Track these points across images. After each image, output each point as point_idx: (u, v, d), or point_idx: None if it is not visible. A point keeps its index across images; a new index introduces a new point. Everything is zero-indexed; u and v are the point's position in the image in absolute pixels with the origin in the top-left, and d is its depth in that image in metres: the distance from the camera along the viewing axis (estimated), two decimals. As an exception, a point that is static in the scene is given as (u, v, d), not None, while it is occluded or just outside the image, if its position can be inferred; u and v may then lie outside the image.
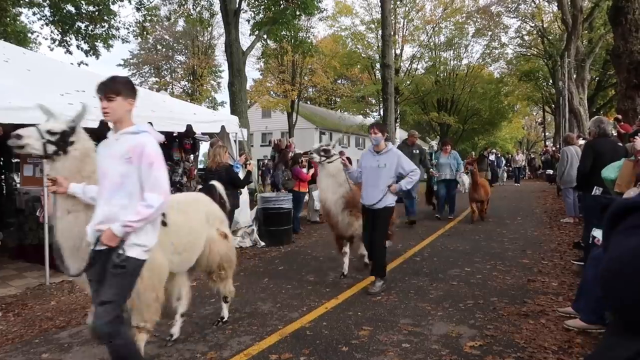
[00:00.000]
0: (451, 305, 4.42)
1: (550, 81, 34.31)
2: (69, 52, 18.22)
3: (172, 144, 8.39)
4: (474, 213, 9.79)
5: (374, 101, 38.69)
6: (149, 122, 7.01)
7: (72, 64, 16.99)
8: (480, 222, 9.74)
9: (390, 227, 5.70)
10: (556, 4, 26.88)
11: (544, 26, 32.77)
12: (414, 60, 37.87)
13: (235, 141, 8.82)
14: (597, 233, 3.73)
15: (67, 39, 17.89)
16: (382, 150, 5.04)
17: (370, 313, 4.28)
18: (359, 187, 5.31)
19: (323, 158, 5.40)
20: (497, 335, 3.64)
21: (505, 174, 23.55)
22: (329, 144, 5.63)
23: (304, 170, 9.29)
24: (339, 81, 42.52)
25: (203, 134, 8.77)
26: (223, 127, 8.21)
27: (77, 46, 18.13)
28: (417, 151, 9.83)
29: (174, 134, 8.36)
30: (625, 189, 4.03)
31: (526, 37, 36.21)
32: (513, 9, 34.41)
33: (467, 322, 3.95)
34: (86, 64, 19.12)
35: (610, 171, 4.49)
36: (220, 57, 42.53)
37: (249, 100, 39.36)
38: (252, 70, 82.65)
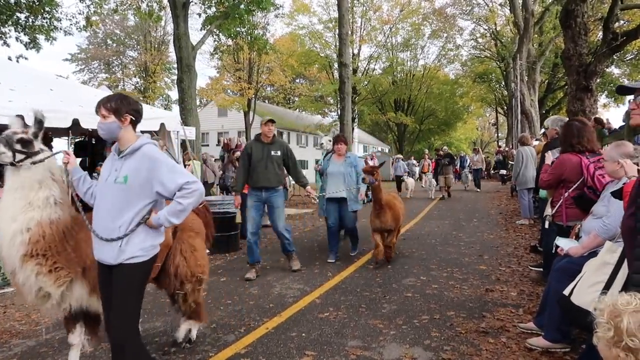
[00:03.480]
0: (405, 321, 4.01)
1: (503, 83, 35.29)
2: (6, 44, 16.86)
3: (105, 143, 7.64)
4: (378, 249, 6.01)
5: (332, 101, 38.51)
6: (75, 118, 6.34)
7: (9, 58, 15.68)
8: (435, 228, 9.03)
9: (194, 307, 3.41)
10: (509, 8, 27.49)
11: (497, 29, 33.58)
12: (372, 61, 38.05)
13: (177, 139, 8.18)
14: (561, 242, 3.40)
15: (6, 30, 16.53)
16: (127, 148, 2.55)
17: (316, 334, 3.81)
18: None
19: (21, 156, 2.62)
20: (455, 359, 3.25)
21: (469, 176, 21.22)
22: (23, 133, 2.68)
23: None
24: (297, 80, 42.06)
25: (142, 131, 8.08)
26: (162, 125, 7.56)
27: (17, 38, 16.79)
28: (278, 152, 5.85)
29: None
30: None
31: (480, 40, 37.10)
32: (467, 11, 35.16)
33: (422, 343, 3.54)
34: (26, 58, 17.78)
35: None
36: (174, 53, 41.13)
37: (205, 99, 38.32)
38: (208, 68, 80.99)
